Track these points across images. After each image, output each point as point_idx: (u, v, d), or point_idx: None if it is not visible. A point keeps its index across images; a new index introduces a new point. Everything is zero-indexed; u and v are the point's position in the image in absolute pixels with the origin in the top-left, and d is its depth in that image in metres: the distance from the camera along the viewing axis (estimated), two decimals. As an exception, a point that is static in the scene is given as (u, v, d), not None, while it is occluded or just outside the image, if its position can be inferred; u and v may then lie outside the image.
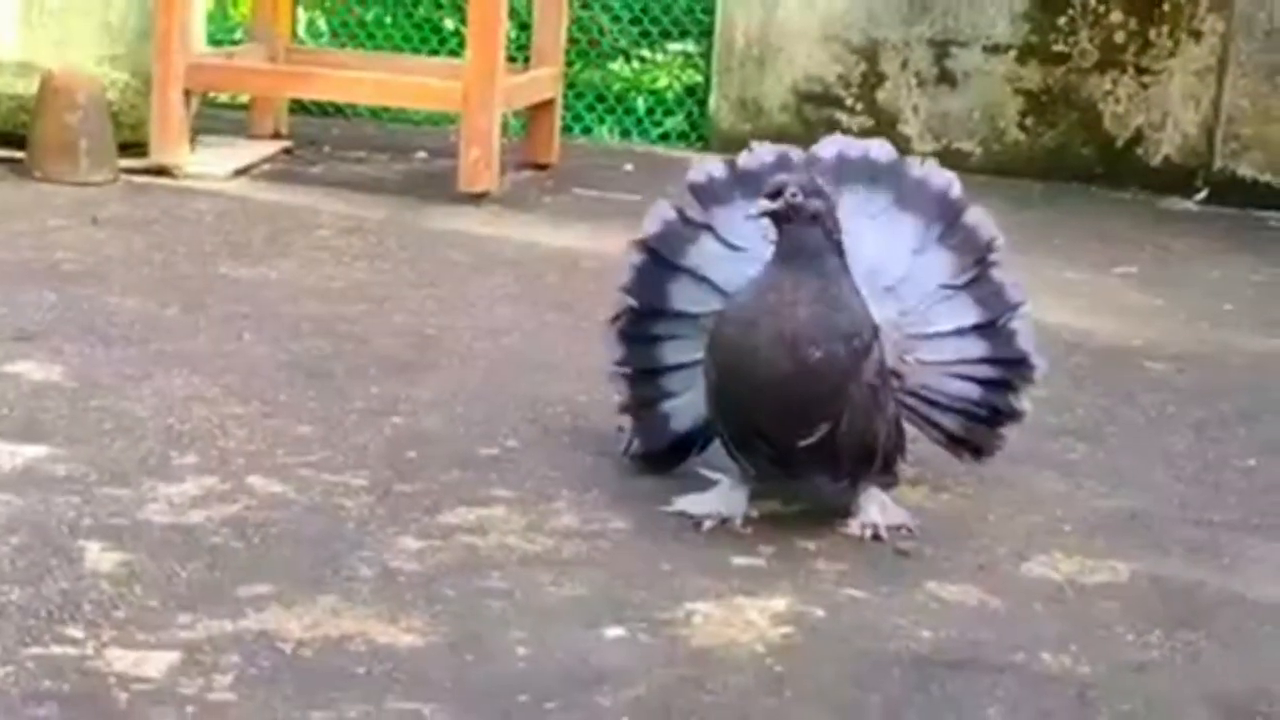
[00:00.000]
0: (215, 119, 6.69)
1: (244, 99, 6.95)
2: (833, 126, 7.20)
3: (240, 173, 6.13)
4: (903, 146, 6.97)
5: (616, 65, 7.61)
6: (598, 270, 5.17)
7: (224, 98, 7.13)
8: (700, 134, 7.41)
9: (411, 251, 5.23)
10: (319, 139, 6.79)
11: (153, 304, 4.48)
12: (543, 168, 6.49)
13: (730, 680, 2.70)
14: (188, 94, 6.03)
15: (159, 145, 5.98)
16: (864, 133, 7.03)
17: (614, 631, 2.83)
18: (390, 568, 3.02)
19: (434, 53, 7.46)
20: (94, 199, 5.59)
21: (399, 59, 7.00)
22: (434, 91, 6.07)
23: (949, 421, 3.51)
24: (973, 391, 3.50)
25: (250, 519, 3.17)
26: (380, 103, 6.57)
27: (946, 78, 7.30)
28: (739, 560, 3.16)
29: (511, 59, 6.32)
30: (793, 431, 3.22)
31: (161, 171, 5.95)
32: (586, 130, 7.43)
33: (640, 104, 7.51)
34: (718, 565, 3.13)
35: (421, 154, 6.67)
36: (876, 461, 3.33)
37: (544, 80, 6.41)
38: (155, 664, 2.62)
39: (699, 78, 7.49)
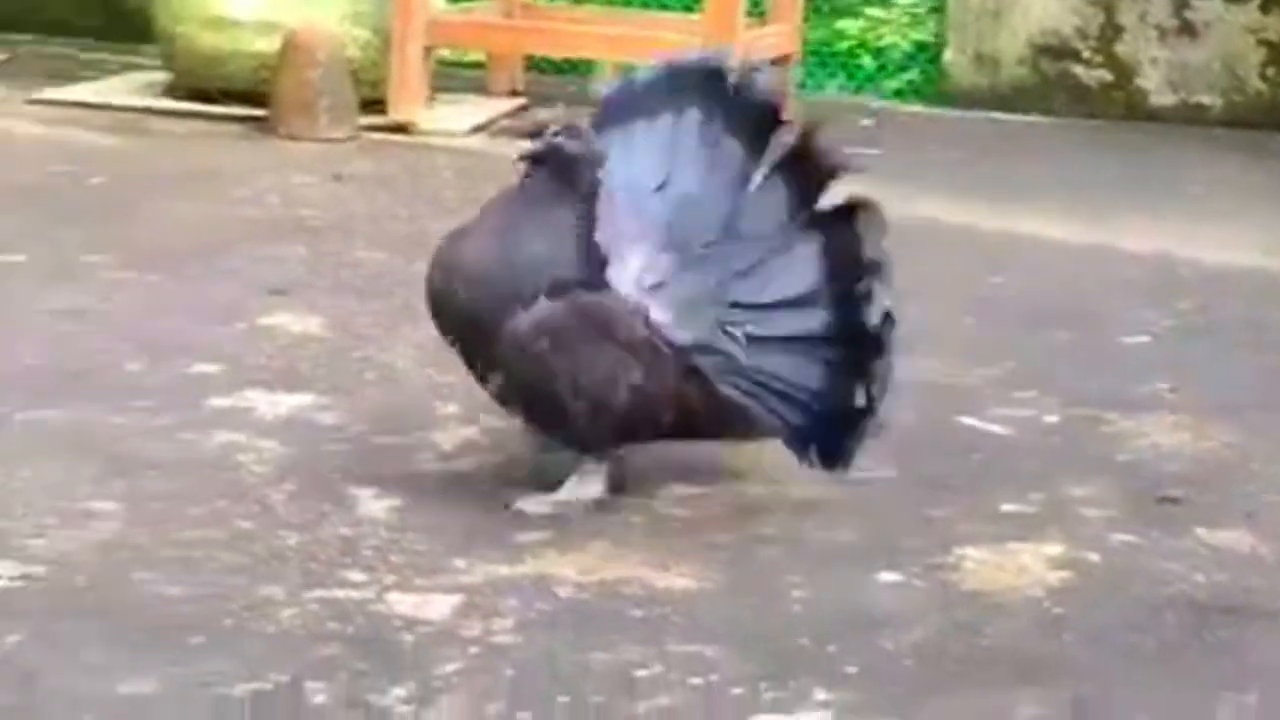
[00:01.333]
0: (450, 77, 6.74)
1: (479, 57, 7.00)
2: (1069, 80, 7.09)
3: (478, 129, 6.17)
4: (1140, 100, 6.93)
5: (844, 23, 7.54)
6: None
7: (459, 56, 7.18)
8: (936, 89, 7.31)
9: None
10: (554, 96, 6.80)
11: (399, 259, 4.51)
12: (778, 122, 6.43)
13: (1006, 624, 2.67)
14: (427, 51, 6.08)
15: (398, 102, 6.04)
16: (1102, 87, 6.94)
17: (888, 576, 2.80)
18: (659, 514, 3.02)
19: (664, 7, 7.44)
20: (335, 155, 5.66)
21: (633, 14, 6.99)
22: (672, 46, 6.04)
23: (789, 413, 3.06)
24: (812, 378, 3.07)
25: (515, 467, 3.18)
26: (620, 58, 6.54)
27: (1187, 29, 7.13)
28: (1008, 507, 3.11)
29: (747, 13, 6.27)
30: (478, 378, 3.05)
31: (400, 128, 6.01)
32: (819, 87, 7.37)
33: (872, 60, 7.43)
34: (986, 512, 3.09)
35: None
36: (568, 429, 3.01)
37: (781, 35, 6.36)
38: (436, 607, 2.64)
39: (928, 34, 7.39)
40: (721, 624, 2.62)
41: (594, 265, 2.98)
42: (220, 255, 4.51)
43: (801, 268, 3.07)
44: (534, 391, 2.99)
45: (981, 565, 2.86)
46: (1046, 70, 7.14)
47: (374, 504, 2.98)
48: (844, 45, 7.47)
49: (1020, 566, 2.86)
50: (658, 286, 3.05)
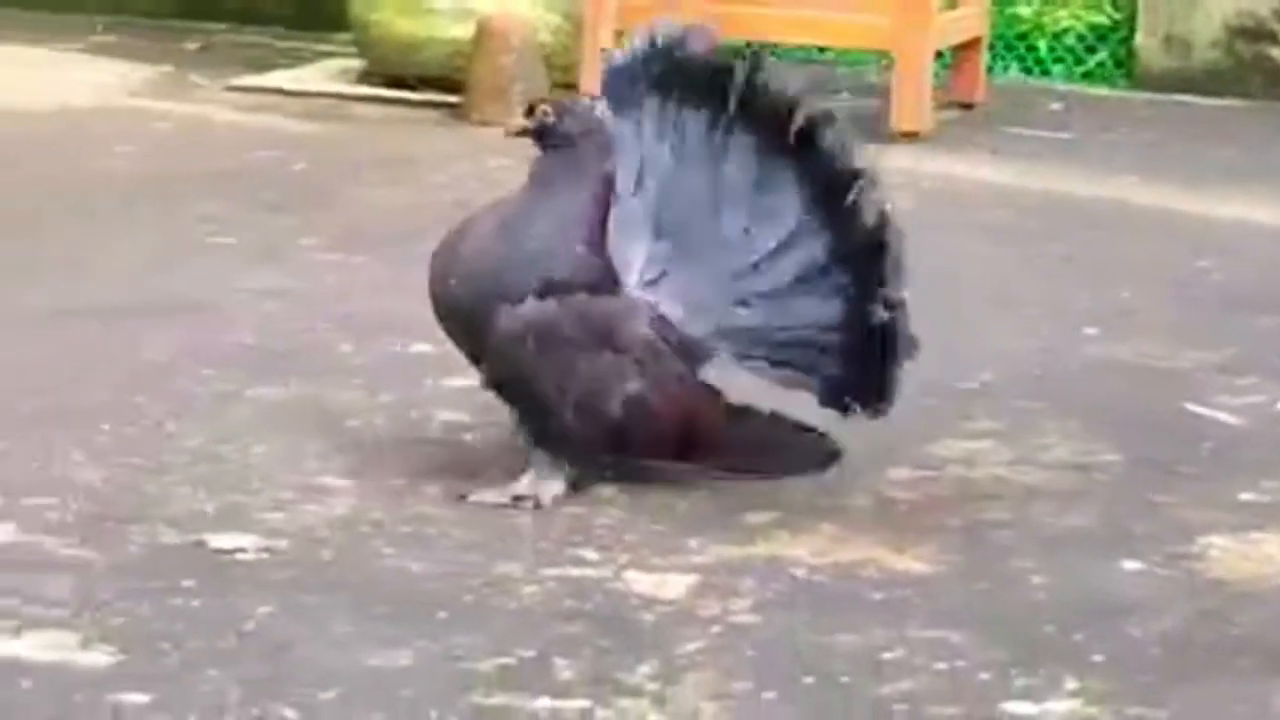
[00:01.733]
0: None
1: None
2: (1266, 63, 6.96)
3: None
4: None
5: (1021, 7, 7.44)
6: (1041, 207, 5.09)
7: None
8: (1126, 72, 7.20)
9: (852, 189, 5.19)
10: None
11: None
12: (968, 107, 6.38)
13: (1256, 614, 2.61)
14: (618, 34, 6.08)
15: (590, 86, 6.03)
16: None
17: (1130, 564, 2.75)
18: (886, 497, 3.00)
19: None
20: (529, 140, 5.66)
21: (819, -1, 6.93)
22: (868, 29, 6.01)
23: (824, 363, 2.96)
24: (833, 311, 2.92)
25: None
26: (813, 41, 6.52)
27: (1387, 9, 6.96)
28: (1245, 495, 3.05)
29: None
30: (477, 369, 2.97)
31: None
32: (1005, 69, 7.28)
33: (1059, 43, 7.33)
34: (1223, 500, 3.02)
35: (845, 95, 6.62)
36: (551, 426, 2.90)
37: (972, 18, 6.29)
38: (674, 586, 2.64)
39: (1113, 15, 7.28)
40: (962, 608, 2.59)
41: (601, 263, 2.90)
42: (420, 239, 4.47)
43: (785, 204, 2.93)
44: (519, 392, 2.90)
45: (1225, 554, 2.81)
46: (1241, 52, 6.99)
47: (602, 486, 2.98)
48: (1022, 28, 7.37)
49: (1265, 556, 2.80)
50: (659, 279, 2.96)
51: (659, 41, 2.95)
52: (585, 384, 2.88)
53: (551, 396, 2.89)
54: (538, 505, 2.88)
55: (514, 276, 2.86)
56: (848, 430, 3.05)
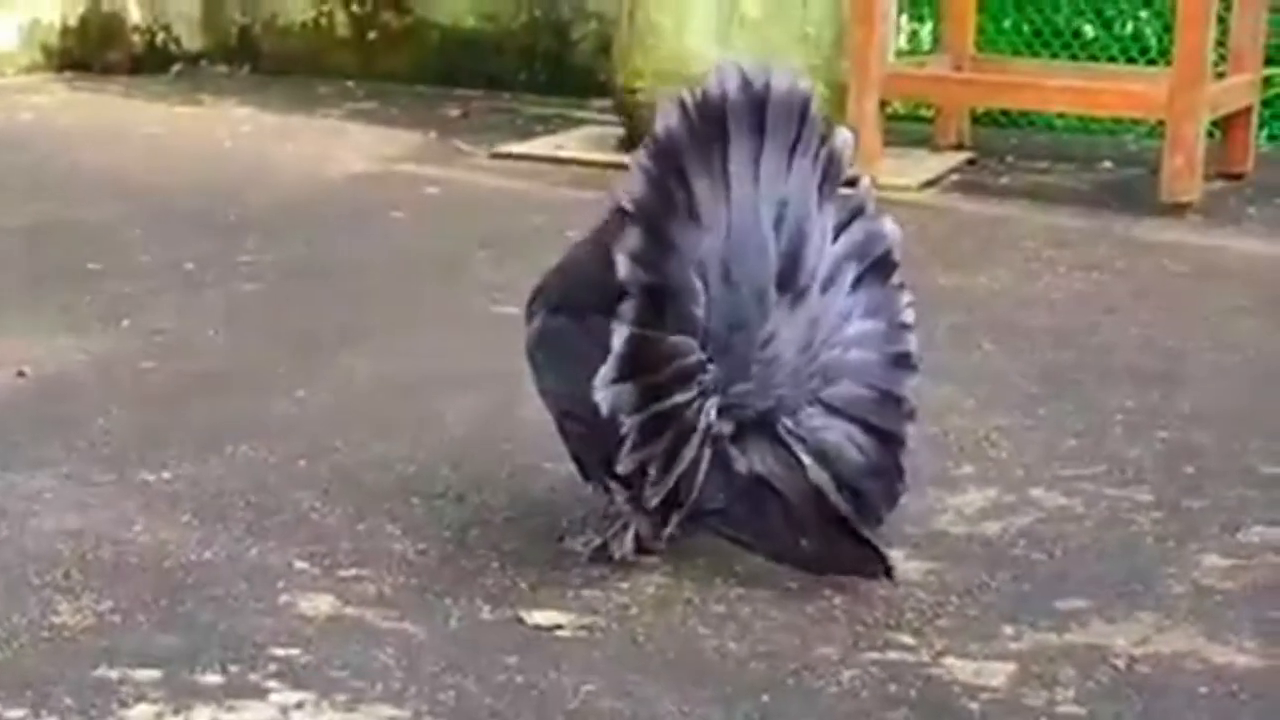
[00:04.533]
0: (892, 131, 6.71)
1: (923, 110, 6.97)
2: None
3: (929, 184, 6.12)
4: None
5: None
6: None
7: (901, 109, 7.16)
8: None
9: (1126, 261, 5.12)
10: (999, 149, 6.73)
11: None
12: (1236, 177, 6.27)
13: None
14: (881, 104, 6.07)
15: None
16: None
17: None
18: (1202, 585, 2.93)
19: (1074, 57, 7.26)
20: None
21: (1081, 66, 6.87)
22: (1138, 98, 5.94)
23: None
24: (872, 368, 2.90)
25: (1045, 532, 3.13)
26: (1083, 110, 6.47)
27: None
28: None
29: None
30: None
31: (854, 183, 5.98)
32: (1273, 138, 7.14)
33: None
34: None
35: (1107, 163, 6.55)
36: (590, 466, 2.88)
37: (1242, 86, 6.19)
38: (994, 674, 2.59)
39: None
40: (1298, 706, 2.52)
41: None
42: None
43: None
44: (543, 398, 2.95)
45: None
46: None
47: (907, 566, 2.95)
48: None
49: None
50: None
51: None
52: (589, 409, 2.77)
53: (558, 414, 2.92)
54: (610, 559, 2.88)
55: (544, 291, 2.95)
56: (1140, 507, 2.99)
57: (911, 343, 2.96)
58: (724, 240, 2.77)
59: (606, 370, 2.72)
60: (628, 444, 2.74)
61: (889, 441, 2.88)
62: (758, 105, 2.77)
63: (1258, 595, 2.89)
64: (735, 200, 2.76)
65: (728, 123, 2.75)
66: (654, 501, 2.78)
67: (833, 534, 2.85)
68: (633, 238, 2.72)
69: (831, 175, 2.89)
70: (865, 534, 2.87)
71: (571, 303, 2.90)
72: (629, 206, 2.73)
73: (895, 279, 2.96)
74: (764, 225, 2.78)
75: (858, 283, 2.91)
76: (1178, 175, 5.67)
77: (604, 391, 2.71)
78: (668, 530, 2.85)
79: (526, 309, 2.99)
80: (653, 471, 2.76)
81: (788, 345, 2.85)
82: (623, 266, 2.71)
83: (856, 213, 2.92)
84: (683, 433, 2.77)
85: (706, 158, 2.75)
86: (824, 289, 2.86)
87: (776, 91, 2.78)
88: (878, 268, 2.94)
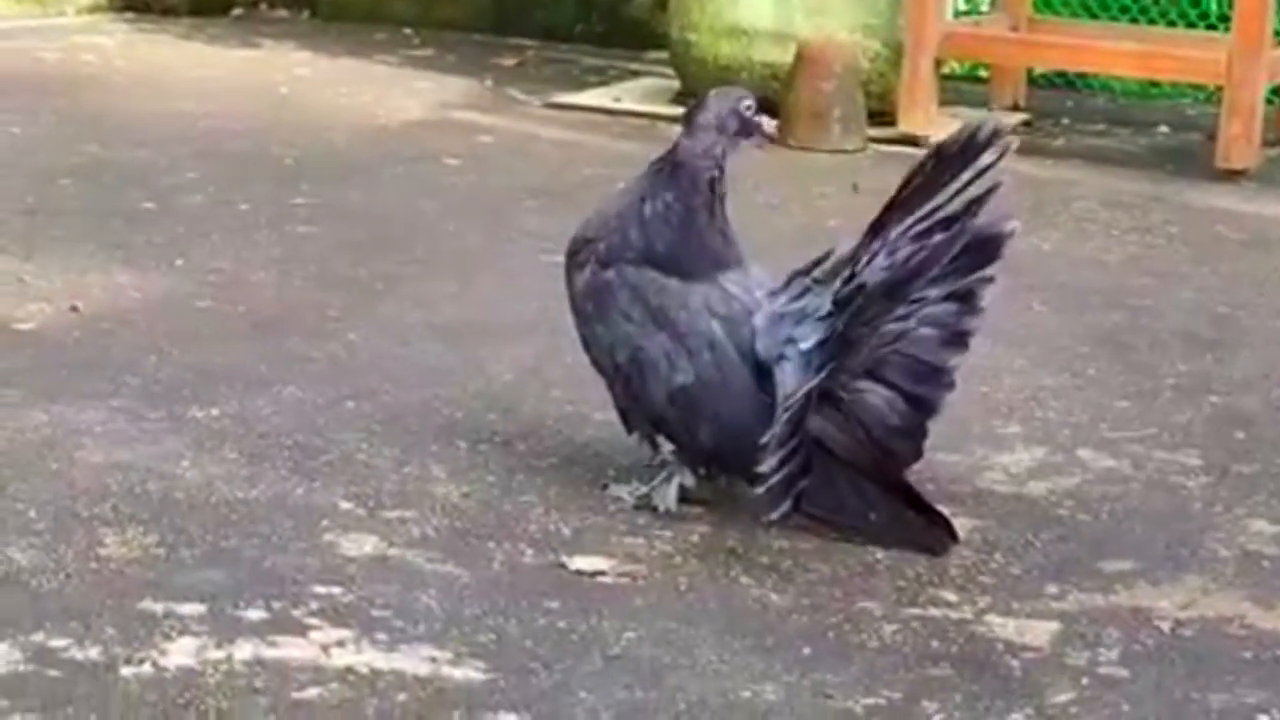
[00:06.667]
0: (949, 90, 6.67)
1: (979, 71, 6.92)
2: None
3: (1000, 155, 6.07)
4: None
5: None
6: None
7: (958, 69, 7.10)
8: None
9: (1180, 227, 5.08)
10: (1055, 111, 6.68)
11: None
12: (1296, 145, 6.21)
13: None
14: (937, 64, 6.03)
15: (907, 114, 5.99)
16: None
17: None
18: (1249, 550, 2.91)
19: (1134, 20, 7.17)
20: (849, 166, 5.65)
21: (1139, 30, 6.80)
22: (1196, 64, 5.88)
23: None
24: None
25: (1091, 493, 3.12)
26: (1141, 75, 6.40)
27: None
28: None
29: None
30: None
31: (910, 140, 5.95)
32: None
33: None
34: None
35: (1163, 128, 6.49)
36: (636, 420, 2.93)
37: (1303, 56, 6.11)
38: (1037, 633, 2.59)
39: None
40: (1342, 672, 2.51)
41: (691, 249, 2.88)
42: (761, 259, 4.53)
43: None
44: (588, 351, 2.96)
45: None
46: None
47: (954, 523, 2.94)
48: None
49: None
50: (796, 294, 2.89)
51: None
52: (633, 362, 2.88)
53: (605, 367, 2.94)
54: (654, 509, 2.90)
55: (592, 243, 2.94)
56: (1189, 470, 2.97)
57: (974, 325, 2.91)
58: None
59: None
60: (770, 448, 2.75)
61: (922, 408, 2.85)
62: None
63: (1305, 562, 2.88)
64: None
65: None
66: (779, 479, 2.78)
67: (898, 506, 2.86)
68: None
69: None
70: (929, 502, 2.88)
71: (621, 257, 2.91)
72: None
73: (991, 269, 2.88)
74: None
75: (954, 270, 2.84)
76: (1234, 142, 5.62)
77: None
78: (781, 511, 2.82)
79: (569, 258, 2.99)
80: (782, 455, 2.77)
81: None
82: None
83: (975, 205, 2.84)
84: (800, 420, 2.79)
85: None
86: (923, 284, 2.82)
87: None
88: (979, 257, 2.86)
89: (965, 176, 2.78)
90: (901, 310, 2.76)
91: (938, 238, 2.76)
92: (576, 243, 2.99)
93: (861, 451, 2.81)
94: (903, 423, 2.82)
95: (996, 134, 2.79)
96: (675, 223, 2.89)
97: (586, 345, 2.99)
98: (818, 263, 2.90)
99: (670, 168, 2.91)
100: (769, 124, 2.98)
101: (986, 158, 2.76)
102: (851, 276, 2.79)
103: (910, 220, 2.78)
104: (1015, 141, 2.89)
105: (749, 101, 2.97)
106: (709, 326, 2.88)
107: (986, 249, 2.78)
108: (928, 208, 2.79)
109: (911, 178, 2.81)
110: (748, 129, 2.94)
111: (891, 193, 2.88)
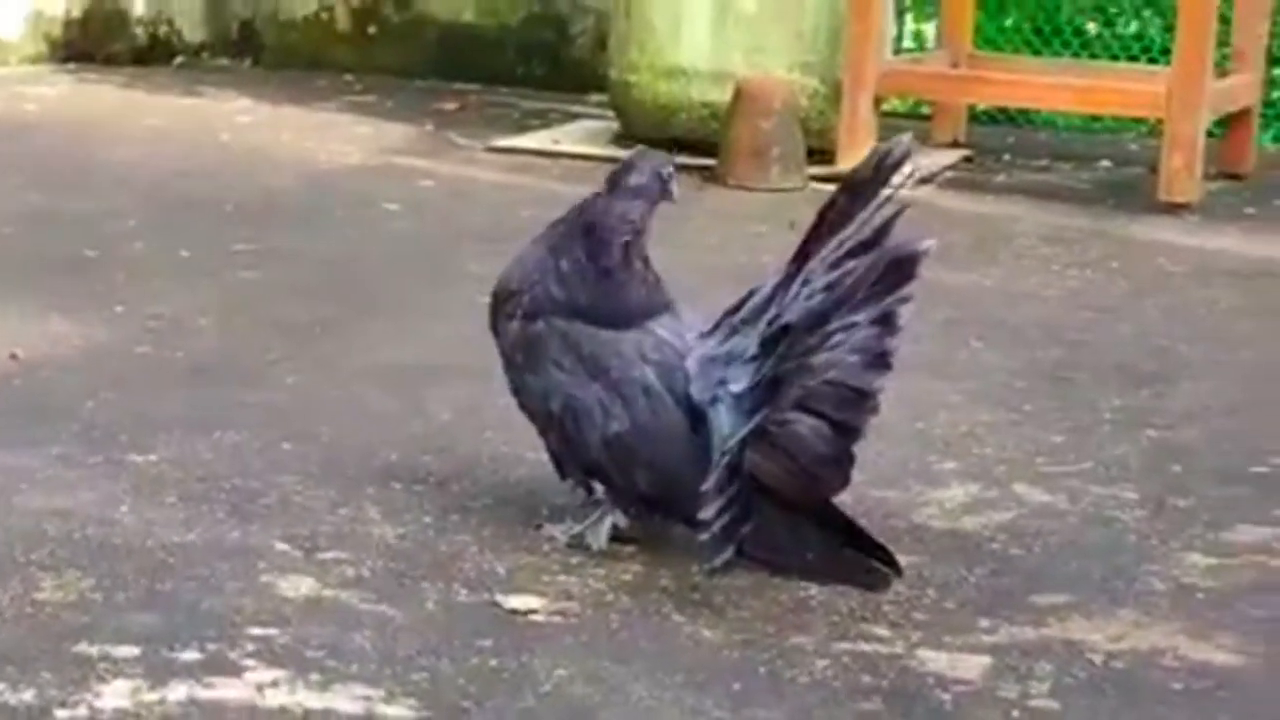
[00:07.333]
0: (890, 127, 6.70)
1: (921, 108, 6.97)
2: None
3: (925, 180, 6.12)
4: None
5: None
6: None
7: (900, 105, 7.16)
8: None
9: (1121, 261, 5.12)
10: (996, 148, 6.74)
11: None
12: (1237, 178, 6.27)
13: None
14: (876, 101, 6.07)
15: (847, 152, 6.02)
16: None
17: None
18: (1184, 584, 2.93)
19: (1076, 55, 7.24)
20: (787, 205, 5.66)
21: (1080, 65, 6.87)
22: (1136, 97, 5.93)
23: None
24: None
25: (1026, 528, 3.13)
26: (1081, 109, 6.47)
27: None
28: None
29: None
30: None
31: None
32: (1276, 139, 7.13)
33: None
34: None
35: (1106, 163, 6.54)
36: (570, 467, 2.95)
37: (1243, 87, 6.18)
38: (968, 666, 2.60)
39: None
40: (1272, 704, 2.52)
41: (617, 297, 2.90)
42: (691, 300, 4.54)
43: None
44: (518, 397, 2.99)
45: None
46: None
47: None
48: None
49: None
50: (724, 335, 2.88)
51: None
52: (567, 410, 2.89)
53: (538, 414, 2.95)
54: (588, 548, 2.91)
55: (512, 296, 2.96)
56: (1125, 504, 2.99)
57: (894, 345, 2.91)
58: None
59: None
60: (710, 495, 2.74)
61: (848, 434, 2.85)
62: None
63: (1239, 594, 2.89)
64: None
65: None
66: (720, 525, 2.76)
67: (834, 543, 2.86)
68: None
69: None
70: (872, 536, 2.88)
71: (545, 310, 2.93)
72: None
73: (908, 289, 2.88)
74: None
75: (873, 294, 2.83)
76: (1176, 175, 5.67)
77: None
78: (723, 558, 2.78)
79: (495, 308, 3.00)
80: (722, 503, 2.75)
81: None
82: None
83: (886, 228, 2.84)
84: (738, 466, 2.78)
85: None
86: (844, 311, 2.80)
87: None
88: (895, 278, 2.86)
89: (878, 200, 2.77)
90: (829, 341, 2.76)
91: (854, 264, 2.75)
92: (501, 294, 3.00)
93: (790, 481, 2.81)
94: (830, 450, 2.82)
95: (906, 154, 2.79)
96: (592, 279, 2.91)
97: (516, 392, 2.99)
98: (744, 301, 2.90)
99: (581, 228, 2.92)
100: (678, 190, 2.99)
101: (897, 178, 2.76)
102: (776, 316, 2.79)
103: (825, 251, 2.78)
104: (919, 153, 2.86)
105: (670, 168, 2.98)
106: (643, 373, 2.88)
107: (903, 268, 2.77)
108: (841, 235, 2.78)
109: (826, 210, 2.81)
110: (667, 194, 2.95)
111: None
